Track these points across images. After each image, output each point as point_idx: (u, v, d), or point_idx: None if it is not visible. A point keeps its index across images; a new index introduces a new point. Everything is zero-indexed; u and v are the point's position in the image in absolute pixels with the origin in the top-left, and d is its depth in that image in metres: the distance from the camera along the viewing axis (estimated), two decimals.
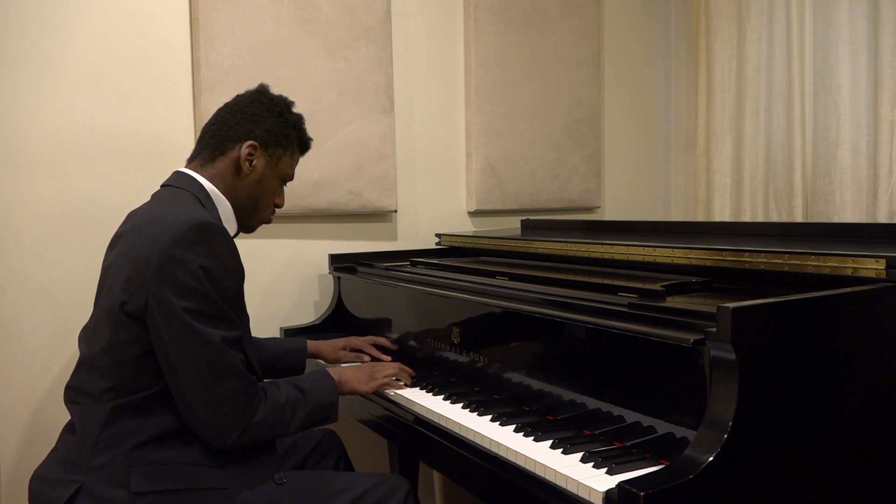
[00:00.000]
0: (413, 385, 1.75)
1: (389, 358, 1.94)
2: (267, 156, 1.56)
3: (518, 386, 1.56)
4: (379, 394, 1.74)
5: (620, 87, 3.18)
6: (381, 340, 2.02)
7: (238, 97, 1.61)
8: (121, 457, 1.33)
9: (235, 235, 1.58)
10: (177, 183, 1.51)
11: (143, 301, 1.33)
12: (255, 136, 1.54)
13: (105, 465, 1.33)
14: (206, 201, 1.49)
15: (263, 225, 1.67)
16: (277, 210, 1.67)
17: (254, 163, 1.54)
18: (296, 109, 1.65)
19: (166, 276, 1.31)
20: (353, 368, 1.70)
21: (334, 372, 1.60)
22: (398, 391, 1.70)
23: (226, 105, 1.60)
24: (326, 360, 1.98)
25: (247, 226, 1.62)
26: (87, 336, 1.46)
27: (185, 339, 1.31)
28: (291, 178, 1.65)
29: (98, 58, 2.09)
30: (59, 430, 1.48)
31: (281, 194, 1.65)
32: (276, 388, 1.45)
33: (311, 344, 1.98)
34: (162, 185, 1.55)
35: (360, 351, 1.99)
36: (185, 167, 1.56)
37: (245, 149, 1.53)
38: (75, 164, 2.07)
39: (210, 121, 1.59)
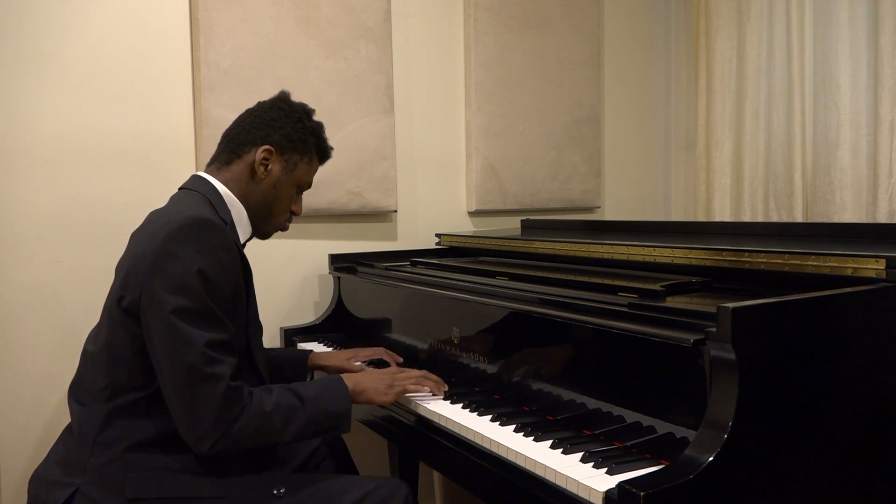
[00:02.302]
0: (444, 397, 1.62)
1: (399, 360, 1.86)
2: (283, 161, 1.55)
3: (518, 386, 1.56)
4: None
5: (620, 87, 3.18)
6: (392, 354, 1.90)
7: (260, 103, 1.60)
8: (117, 460, 1.32)
9: (249, 240, 1.58)
10: (192, 186, 1.52)
11: (137, 296, 1.32)
12: (272, 141, 1.54)
13: (101, 467, 1.32)
14: (218, 204, 1.49)
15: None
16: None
17: (269, 167, 1.54)
18: (316, 118, 1.63)
19: (158, 270, 1.30)
20: (372, 376, 1.60)
21: (349, 379, 1.52)
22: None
23: (247, 110, 1.60)
24: (329, 372, 1.86)
25: (262, 231, 1.60)
26: (94, 334, 1.46)
27: (169, 337, 1.29)
28: (309, 185, 1.64)
29: (98, 58, 2.09)
30: (60, 431, 1.49)
31: (298, 201, 1.63)
32: (267, 394, 1.38)
33: (316, 356, 1.89)
34: (179, 188, 1.55)
35: (371, 362, 1.90)
36: (203, 171, 1.56)
37: (260, 153, 1.53)
38: (75, 164, 2.07)
39: (230, 125, 1.59)
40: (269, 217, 1.59)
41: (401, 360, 1.90)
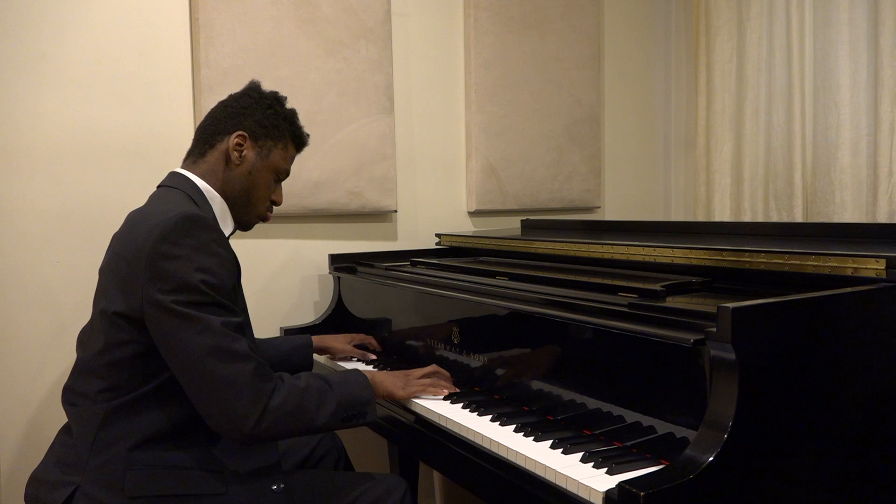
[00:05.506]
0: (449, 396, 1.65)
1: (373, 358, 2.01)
2: (257, 147, 1.54)
3: (518, 386, 1.56)
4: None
5: (620, 87, 3.18)
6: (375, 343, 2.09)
7: (231, 95, 1.60)
8: (117, 458, 1.32)
9: (232, 234, 1.57)
10: (170, 183, 1.51)
11: (136, 301, 1.31)
12: (244, 127, 1.53)
13: (101, 466, 1.32)
14: (199, 199, 1.48)
15: (262, 224, 1.65)
16: (277, 209, 1.66)
17: (243, 153, 1.52)
18: (299, 112, 1.64)
19: (156, 273, 1.29)
20: (388, 372, 1.65)
21: (367, 373, 1.54)
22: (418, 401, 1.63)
23: (219, 102, 1.59)
24: (335, 351, 2.01)
25: (243, 222, 1.59)
26: (83, 338, 1.45)
27: (184, 328, 1.28)
28: (286, 173, 1.62)
29: (98, 58, 2.09)
30: (57, 432, 1.48)
31: (278, 190, 1.62)
32: (296, 377, 1.39)
33: (318, 338, 1.98)
34: (158, 186, 1.54)
35: (364, 348, 2.04)
36: (180, 166, 1.55)
37: (233, 139, 1.52)
38: (75, 164, 2.07)
39: (203, 119, 1.59)
40: (249, 206, 1.57)
41: (379, 349, 2.07)
